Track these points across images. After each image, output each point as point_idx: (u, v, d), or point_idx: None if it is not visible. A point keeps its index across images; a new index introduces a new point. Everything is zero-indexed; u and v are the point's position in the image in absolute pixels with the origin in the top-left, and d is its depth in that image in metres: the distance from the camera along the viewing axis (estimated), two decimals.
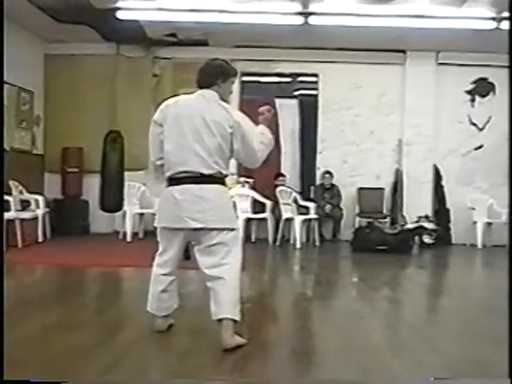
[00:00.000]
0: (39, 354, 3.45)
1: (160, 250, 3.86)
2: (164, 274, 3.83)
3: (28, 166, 10.15)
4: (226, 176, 3.77)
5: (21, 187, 9.27)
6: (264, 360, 3.51)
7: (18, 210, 8.53)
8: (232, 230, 3.70)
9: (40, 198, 9.38)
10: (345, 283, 7.05)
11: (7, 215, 8.05)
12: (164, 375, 3.19)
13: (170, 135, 3.71)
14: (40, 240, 8.95)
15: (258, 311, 4.91)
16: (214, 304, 3.62)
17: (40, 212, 9.06)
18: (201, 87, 3.82)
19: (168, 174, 3.73)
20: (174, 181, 3.70)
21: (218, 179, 3.69)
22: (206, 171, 3.62)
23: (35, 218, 8.88)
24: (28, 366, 3.20)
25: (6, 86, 9.33)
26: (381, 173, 11.07)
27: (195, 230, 3.64)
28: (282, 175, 10.81)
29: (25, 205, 9.10)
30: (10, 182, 9.03)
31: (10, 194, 8.67)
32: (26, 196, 9.29)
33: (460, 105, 11.06)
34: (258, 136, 3.77)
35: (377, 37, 9.85)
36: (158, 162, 3.83)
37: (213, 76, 3.81)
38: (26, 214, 8.65)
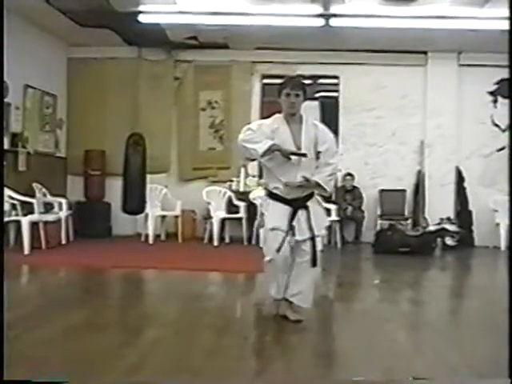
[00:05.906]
0: (64, 353, 3.49)
1: None
2: None
3: (51, 169, 10.25)
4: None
5: (44, 190, 9.38)
6: (288, 361, 3.51)
7: (41, 213, 8.61)
8: None
9: (63, 200, 9.45)
10: (367, 285, 7.03)
11: (31, 218, 8.14)
12: (188, 375, 3.20)
13: None
14: (63, 242, 9.02)
15: None
16: None
17: (63, 214, 9.13)
18: None
19: None
20: None
21: None
22: None
23: (58, 221, 8.95)
24: (53, 365, 3.23)
25: (29, 90, 9.48)
26: (402, 174, 11.00)
27: None
28: None
29: (48, 207, 9.19)
30: (34, 185, 9.15)
31: (33, 196, 8.77)
32: (49, 199, 9.39)
33: (482, 106, 10.93)
34: None
35: (398, 38, 9.80)
36: None
37: None
38: (49, 217, 8.72)
